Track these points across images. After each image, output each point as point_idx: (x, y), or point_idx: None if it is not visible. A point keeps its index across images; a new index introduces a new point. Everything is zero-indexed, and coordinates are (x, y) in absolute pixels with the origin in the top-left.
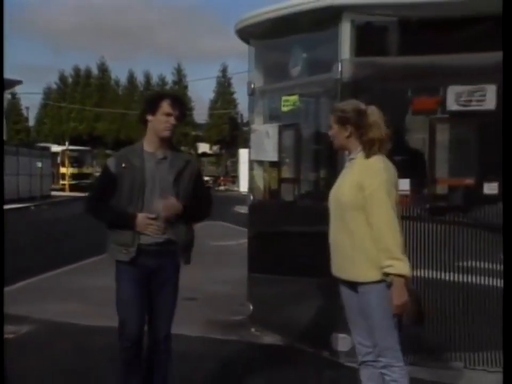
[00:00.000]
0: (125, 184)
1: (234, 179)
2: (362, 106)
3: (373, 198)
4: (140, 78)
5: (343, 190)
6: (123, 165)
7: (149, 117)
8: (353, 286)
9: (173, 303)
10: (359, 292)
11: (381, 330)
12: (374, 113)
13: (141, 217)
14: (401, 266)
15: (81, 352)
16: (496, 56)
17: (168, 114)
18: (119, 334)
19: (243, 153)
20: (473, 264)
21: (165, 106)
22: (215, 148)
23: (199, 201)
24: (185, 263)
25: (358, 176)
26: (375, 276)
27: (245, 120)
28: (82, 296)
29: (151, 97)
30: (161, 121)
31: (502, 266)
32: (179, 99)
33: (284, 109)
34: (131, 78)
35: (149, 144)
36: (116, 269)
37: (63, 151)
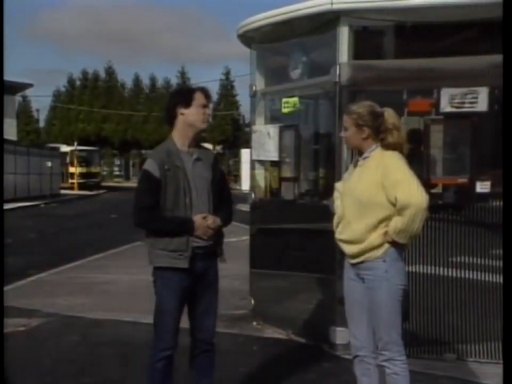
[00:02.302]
0: (170, 187)
1: (237, 178)
2: (378, 108)
3: (395, 183)
4: (145, 81)
5: (362, 189)
6: (166, 167)
7: (183, 110)
8: (362, 278)
9: (216, 303)
10: (369, 287)
11: (387, 324)
12: (391, 116)
13: (198, 220)
14: (393, 225)
15: (88, 344)
16: (488, 59)
17: (204, 106)
18: (156, 345)
19: (245, 153)
20: (466, 259)
21: (200, 97)
22: (218, 148)
23: (228, 201)
24: (224, 261)
25: (376, 174)
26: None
27: (246, 121)
28: (89, 291)
29: (181, 90)
30: (198, 113)
31: (493, 262)
32: (209, 91)
33: (284, 110)
34: (137, 81)
35: (180, 141)
36: (159, 276)
37: (72, 151)
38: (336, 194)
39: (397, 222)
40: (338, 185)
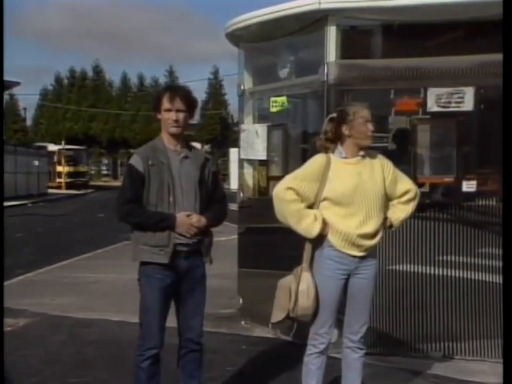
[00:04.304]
0: (154, 182)
1: (225, 177)
2: None
3: (396, 177)
4: (133, 80)
5: (380, 185)
6: (150, 162)
7: (157, 115)
8: (347, 274)
9: (203, 303)
10: (370, 277)
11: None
12: None
13: (181, 217)
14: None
15: (75, 344)
16: (475, 59)
17: (168, 110)
18: (142, 344)
19: (233, 152)
20: (453, 258)
21: (164, 102)
22: (207, 147)
23: (219, 202)
24: (210, 262)
25: (381, 171)
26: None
27: (235, 121)
28: (76, 290)
29: (155, 94)
30: (164, 118)
31: (480, 260)
32: (180, 91)
33: (273, 109)
34: (125, 80)
35: (166, 141)
36: (142, 273)
37: (59, 150)
38: (294, 196)
39: (407, 211)
40: (296, 184)
